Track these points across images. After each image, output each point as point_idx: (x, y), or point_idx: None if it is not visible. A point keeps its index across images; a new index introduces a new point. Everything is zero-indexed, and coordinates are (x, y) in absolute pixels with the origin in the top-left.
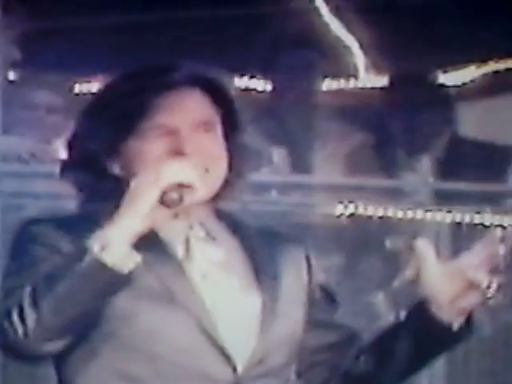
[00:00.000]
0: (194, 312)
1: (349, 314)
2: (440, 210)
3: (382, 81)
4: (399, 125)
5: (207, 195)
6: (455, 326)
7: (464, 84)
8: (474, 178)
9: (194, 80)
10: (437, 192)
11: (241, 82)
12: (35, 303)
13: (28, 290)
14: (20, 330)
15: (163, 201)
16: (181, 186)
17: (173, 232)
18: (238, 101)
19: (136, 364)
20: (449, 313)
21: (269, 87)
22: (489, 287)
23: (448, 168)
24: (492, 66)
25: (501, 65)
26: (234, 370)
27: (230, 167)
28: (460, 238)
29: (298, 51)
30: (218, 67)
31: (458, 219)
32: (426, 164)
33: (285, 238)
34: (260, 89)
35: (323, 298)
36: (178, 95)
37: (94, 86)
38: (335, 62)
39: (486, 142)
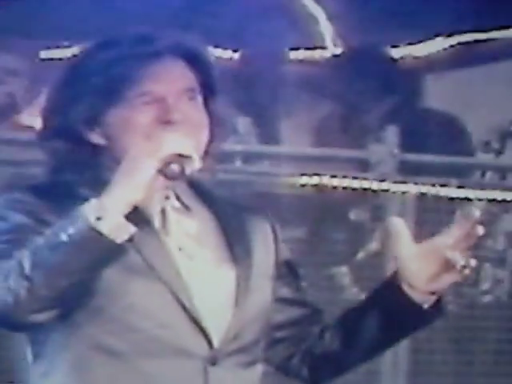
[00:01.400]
0: (172, 286)
1: (312, 287)
2: (406, 182)
3: (347, 51)
4: (365, 97)
5: (198, 165)
6: (425, 306)
7: (431, 56)
8: (440, 150)
9: (176, 49)
10: (403, 163)
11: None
12: (27, 272)
13: (18, 258)
14: (10, 299)
15: (165, 173)
16: (180, 156)
17: (150, 202)
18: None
19: (115, 337)
20: (421, 292)
21: (236, 56)
22: (465, 267)
23: (414, 140)
24: (460, 38)
25: (469, 37)
26: (210, 345)
27: (209, 137)
28: (425, 210)
29: (265, 21)
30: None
31: (423, 191)
32: (392, 135)
33: (253, 210)
34: (227, 58)
35: (287, 273)
36: (163, 64)
37: (63, 52)
38: (302, 32)
39: (453, 114)
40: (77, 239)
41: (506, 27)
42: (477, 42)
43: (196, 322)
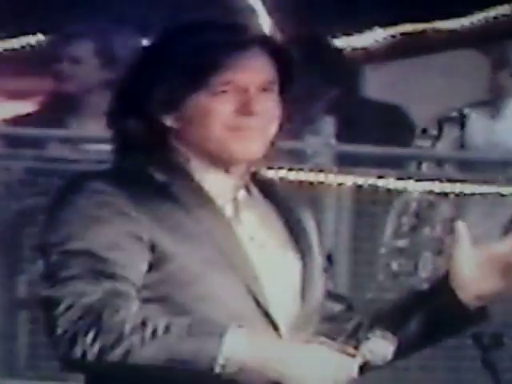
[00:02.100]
0: (244, 276)
1: None
2: (342, 173)
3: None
4: (302, 87)
5: (259, 155)
6: (472, 308)
7: (370, 47)
8: (378, 140)
9: (263, 41)
10: (339, 154)
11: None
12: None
13: (151, 323)
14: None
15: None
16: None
17: (222, 190)
18: None
19: None
20: (470, 296)
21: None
22: None
23: (352, 130)
24: (399, 29)
25: (407, 28)
26: (280, 335)
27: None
28: (361, 201)
29: (201, 13)
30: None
31: (360, 182)
32: (328, 126)
33: (301, 204)
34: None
35: (329, 267)
36: (249, 54)
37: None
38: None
39: (390, 104)
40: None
41: (444, 18)
42: (415, 33)
43: (266, 313)
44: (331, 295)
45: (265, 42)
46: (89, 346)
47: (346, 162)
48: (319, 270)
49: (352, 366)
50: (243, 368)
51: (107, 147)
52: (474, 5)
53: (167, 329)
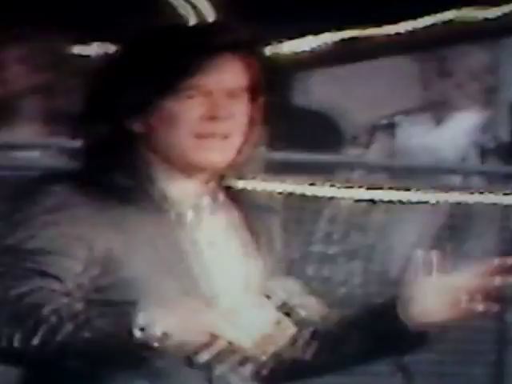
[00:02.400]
0: (199, 281)
1: None
2: (272, 181)
3: None
4: None
5: (224, 163)
6: (414, 332)
7: (302, 54)
8: (309, 147)
9: (235, 46)
10: (269, 162)
11: (78, 48)
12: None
13: (55, 314)
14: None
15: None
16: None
17: (184, 195)
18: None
19: None
20: (417, 323)
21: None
22: (485, 312)
23: (281, 137)
24: (329, 37)
25: (338, 35)
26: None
27: (248, 136)
28: (292, 209)
29: (138, 14)
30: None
31: (289, 190)
32: (261, 135)
33: (266, 209)
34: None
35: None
36: (219, 59)
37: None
38: None
39: (320, 111)
40: (114, 341)
41: (379, 25)
42: (349, 39)
43: None
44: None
45: (236, 48)
46: (12, 336)
47: (275, 170)
48: (280, 274)
49: (287, 324)
50: (167, 334)
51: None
52: (410, 12)
53: (86, 310)
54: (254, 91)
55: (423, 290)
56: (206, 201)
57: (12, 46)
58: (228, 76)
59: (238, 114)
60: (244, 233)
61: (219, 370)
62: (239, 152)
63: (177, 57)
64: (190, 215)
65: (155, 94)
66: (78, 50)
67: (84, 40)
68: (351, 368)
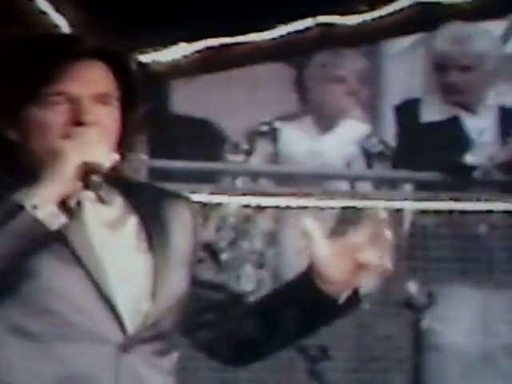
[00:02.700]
0: (90, 272)
1: None
2: None
3: None
4: None
5: (99, 165)
6: (341, 299)
7: (176, 61)
8: (191, 155)
9: (98, 52)
10: (152, 170)
11: None
12: None
13: None
14: None
15: (85, 183)
16: (93, 165)
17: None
18: None
19: (32, 319)
20: (337, 287)
21: None
22: (379, 266)
23: (162, 145)
24: (203, 43)
25: (213, 42)
26: (124, 332)
27: (121, 140)
28: None
29: (3, 28)
30: None
31: None
32: (140, 142)
33: (172, 195)
34: None
35: (207, 257)
36: (83, 65)
37: None
38: None
39: (200, 119)
40: (16, 226)
41: (248, 32)
42: (221, 47)
43: (112, 309)
44: (207, 285)
45: (101, 54)
46: None
47: (158, 178)
48: (181, 264)
49: None
50: None
51: None
52: (276, 19)
53: None
54: (126, 98)
55: (325, 255)
56: (88, 196)
57: None
58: (92, 82)
59: (106, 119)
60: (133, 229)
61: None
62: (122, 156)
63: (38, 64)
64: (76, 211)
65: (21, 102)
66: None
67: None
68: (296, 339)
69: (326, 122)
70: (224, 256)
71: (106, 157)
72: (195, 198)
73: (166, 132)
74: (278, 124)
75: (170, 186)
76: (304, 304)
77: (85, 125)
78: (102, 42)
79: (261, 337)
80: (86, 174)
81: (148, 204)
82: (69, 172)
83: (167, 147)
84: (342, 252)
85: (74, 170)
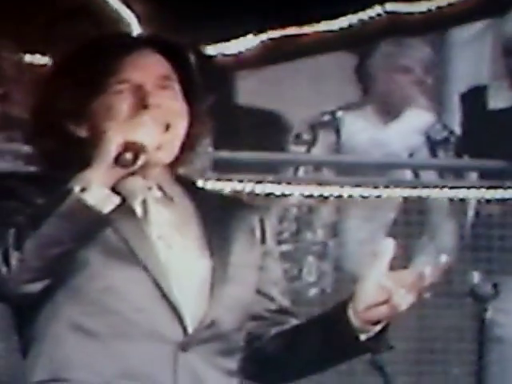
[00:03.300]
0: (151, 271)
1: None
2: (220, 180)
3: None
4: None
5: (168, 156)
6: (363, 337)
7: (242, 53)
8: (253, 146)
9: (154, 42)
10: (216, 161)
11: (22, 57)
12: (19, 243)
13: (12, 231)
14: (4, 270)
15: (117, 161)
16: (133, 144)
17: (131, 191)
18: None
19: (93, 319)
20: (362, 320)
21: (44, 61)
22: (397, 306)
23: (227, 137)
24: (269, 35)
25: (278, 33)
26: (185, 331)
27: (189, 131)
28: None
29: (75, 24)
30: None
31: (238, 188)
32: (205, 133)
33: (240, 203)
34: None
35: (269, 267)
36: (141, 54)
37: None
38: None
39: (265, 110)
40: (63, 210)
41: (311, 23)
42: (284, 38)
43: (172, 308)
44: (262, 294)
45: (156, 43)
46: None
47: (223, 169)
48: (244, 267)
49: None
50: None
51: None
52: (344, 8)
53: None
54: (186, 88)
55: (368, 284)
56: (153, 195)
57: None
58: (152, 68)
59: (170, 102)
60: (195, 229)
61: None
62: (186, 145)
63: (101, 58)
64: (138, 209)
65: (87, 95)
66: (31, 59)
67: (37, 49)
68: (316, 371)
69: (389, 111)
70: (286, 247)
71: (149, 137)
72: (258, 188)
73: (231, 123)
74: (340, 114)
75: (234, 177)
76: (328, 335)
77: (149, 108)
78: (163, 35)
79: (282, 359)
80: (125, 155)
81: (214, 210)
82: (111, 153)
83: (231, 138)
84: (385, 284)
85: (115, 150)
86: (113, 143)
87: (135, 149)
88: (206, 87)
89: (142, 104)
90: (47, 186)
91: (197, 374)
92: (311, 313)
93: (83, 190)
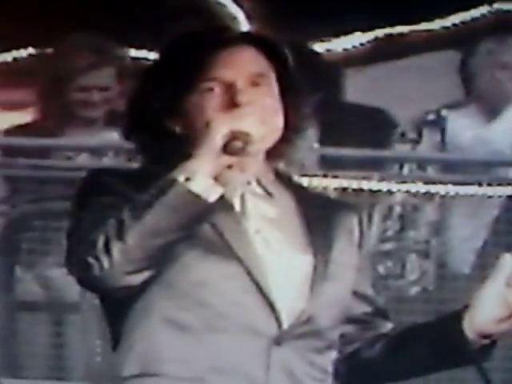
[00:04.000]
0: (247, 265)
1: None
2: (326, 176)
3: None
4: None
5: (263, 146)
6: (475, 346)
7: (350, 51)
8: (359, 143)
9: (249, 38)
10: (323, 157)
11: (131, 52)
12: (121, 234)
13: (113, 222)
14: (106, 261)
15: (226, 149)
16: (240, 133)
17: (231, 185)
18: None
19: (186, 312)
20: (477, 333)
21: (152, 56)
22: None
23: (333, 134)
24: (377, 33)
25: (386, 31)
26: (280, 326)
27: (287, 125)
28: None
29: (184, 21)
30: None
31: (344, 185)
32: (311, 130)
33: (339, 203)
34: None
35: (367, 268)
36: (234, 51)
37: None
38: None
39: (371, 107)
40: (168, 199)
41: (419, 21)
42: (393, 36)
43: (268, 302)
44: (359, 295)
45: (250, 38)
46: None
47: (329, 165)
48: (343, 266)
49: None
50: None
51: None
52: (452, 6)
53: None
54: (283, 83)
55: (487, 297)
56: (252, 189)
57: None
58: (244, 65)
59: (263, 99)
60: (296, 226)
61: None
62: (284, 140)
63: (193, 54)
64: (237, 203)
65: (181, 92)
66: (138, 54)
67: (142, 44)
68: (410, 377)
69: (492, 109)
70: (390, 245)
71: (255, 127)
72: (364, 185)
73: (337, 120)
74: (445, 112)
75: (339, 174)
76: (440, 343)
77: (240, 106)
78: (249, 30)
79: (384, 364)
80: (235, 143)
81: (315, 208)
82: (218, 142)
83: (338, 135)
84: (505, 298)
85: (222, 139)
86: (219, 133)
87: (243, 137)
88: (313, 83)
89: (233, 102)
90: (143, 182)
91: (290, 369)
92: (413, 311)
93: (188, 179)
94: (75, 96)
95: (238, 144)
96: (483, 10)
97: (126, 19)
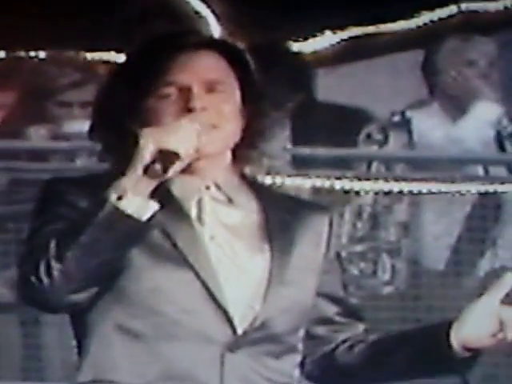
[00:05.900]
0: (199, 272)
1: None
2: (299, 176)
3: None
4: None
5: (215, 151)
6: (458, 358)
7: (320, 51)
8: (330, 142)
9: (211, 43)
10: (295, 157)
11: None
12: (60, 254)
13: (53, 242)
14: (46, 282)
15: (146, 171)
16: (167, 152)
17: (187, 190)
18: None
19: (138, 320)
20: (462, 344)
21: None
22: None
23: (305, 133)
24: (348, 33)
25: (357, 31)
26: (234, 332)
27: (252, 130)
28: None
29: (156, 24)
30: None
31: (317, 184)
32: (283, 131)
33: (309, 204)
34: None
35: (335, 269)
36: (193, 56)
37: None
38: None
39: (342, 106)
40: (103, 219)
41: (389, 21)
42: (362, 36)
43: (221, 309)
44: (329, 298)
45: (212, 43)
46: None
47: (301, 165)
48: (304, 270)
49: None
50: None
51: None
52: (420, 6)
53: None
54: (245, 87)
55: (479, 312)
56: (210, 194)
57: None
58: (202, 70)
59: (219, 105)
60: (255, 229)
61: None
62: (248, 145)
63: (151, 59)
64: (193, 209)
65: (139, 95)
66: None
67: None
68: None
69: (457, 106)
70: (361, 247)
71: (184, 144)
72: (337, 184)
73: (309, 119)
74: (409, 113)
75: (311, 173)
76: (424, 353)
77: (193, 111)
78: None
79: (362, 369)
80: (158, 163)
81: (281, 211)
82: (146, 159)
83: (310, 134)
84: (495, 312)
85: (150, 156)
86: (145, 152)
87: (167, 158)
88: (288, 83)
89: (186, 107)
90: (96, 190)
91: (245, 375)
92: (386, 310)
93: (120, 198)
94: (55, 111)
95: (157, 167)
96: (451, 9)
97: (100, 21)
